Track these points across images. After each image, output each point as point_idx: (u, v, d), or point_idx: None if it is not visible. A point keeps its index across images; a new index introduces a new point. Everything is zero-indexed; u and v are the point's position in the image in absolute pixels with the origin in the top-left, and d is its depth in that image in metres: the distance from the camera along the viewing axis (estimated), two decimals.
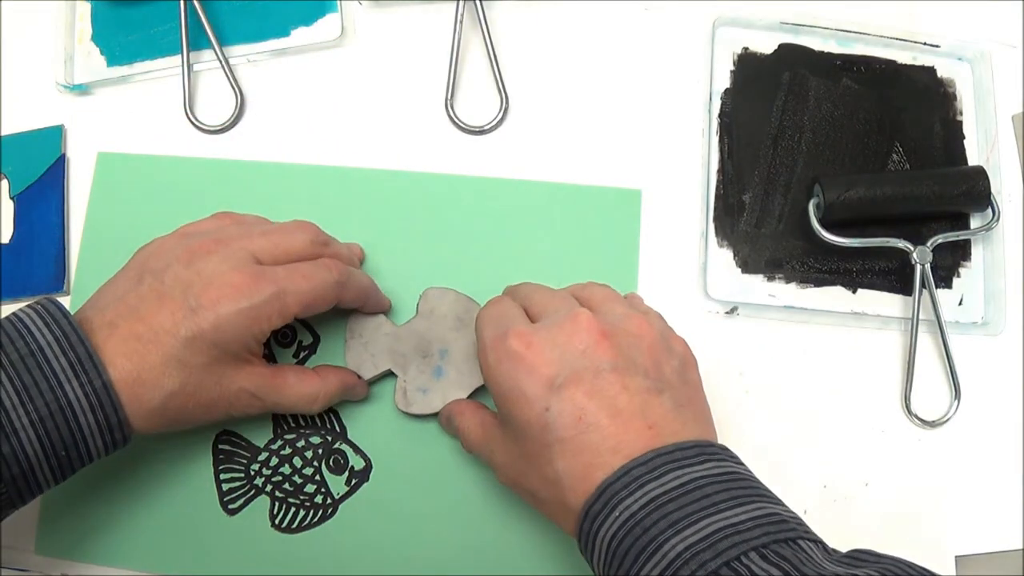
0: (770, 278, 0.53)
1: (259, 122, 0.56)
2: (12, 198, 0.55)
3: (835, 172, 0.55)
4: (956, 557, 0.49)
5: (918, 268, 0.52)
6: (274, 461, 0.50)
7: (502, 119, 0.56)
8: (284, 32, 0.58)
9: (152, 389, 0.40)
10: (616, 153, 0.55)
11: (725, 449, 0.38)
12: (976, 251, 0.55)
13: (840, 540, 0.37)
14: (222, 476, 0.50)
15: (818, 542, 0.35)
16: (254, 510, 0.49)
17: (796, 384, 0.52)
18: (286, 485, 0.50)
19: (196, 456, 0.50)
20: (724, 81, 0.57)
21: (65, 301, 0.53)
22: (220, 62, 0.56)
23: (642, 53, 0.57)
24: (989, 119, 0.56)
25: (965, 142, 0.56)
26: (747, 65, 0.57)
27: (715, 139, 0.56)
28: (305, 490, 0.49)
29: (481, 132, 0.56)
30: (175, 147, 0.56)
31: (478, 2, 0.56)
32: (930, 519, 0.50)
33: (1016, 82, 0.57)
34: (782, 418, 0.51)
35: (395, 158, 0.55)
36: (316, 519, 0.49)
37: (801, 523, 0.36)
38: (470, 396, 0.49)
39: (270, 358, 0.51)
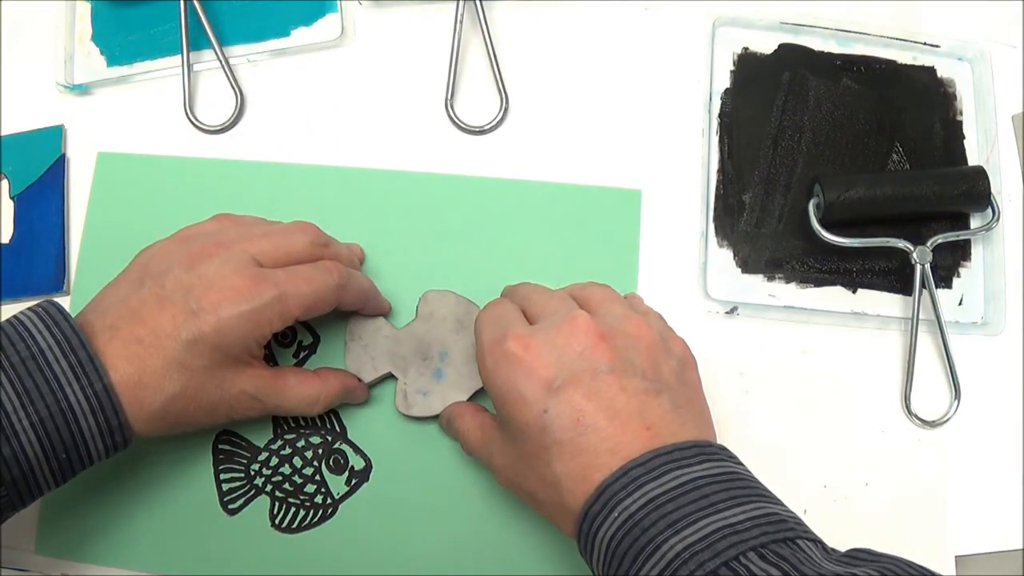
0: (770, 278, 0.53)
1: (259, 122, 0.56)
2: (12, 198, 0.55)
3: (835, 172, 0.55)
4: (956, 557, 0.49)
5: (918, 268, 0.52)
6: (274, 461, 0.50)
7: (502, 119, 0.56)
8: (284, 32, 0.58)
9: (153, 392, 0.40)
10: (616, 153, 0.55)
11: (724, 449, 0.39)
12: (976, 251, 0.55)
13: (840, 540, 0.37)
14: (222, 476, 0.50)
15: (817, 542, 0.35)
16: (254, 510, 0.49)
17: (796, 384, 0.52)
18: (286, 485, 0.50)
19: (196, 456, 0.50)
20: (724, 81, 0.57)
21: (65, 301, 0.53)
22: (220, 62, 0.56)
23: (642, 53, 0.57)
24: (989, 119, 0.56)
25: (965, 142, 0.56)
26: (747, 65, 0.57)
27: (715, 139, 0.56)
28: (305, 490, 0.49)
29: (481, 132, 0.56)
30: (175, 147, 0.56)
31: (478, 2, 0.56)
32: (930, 519, 0.50)
33: (1016, 82, 0.57)
34: (782, 418, 0.51)
35: (395, 158, 0.55)
36: (316, 519, 0.49)
37: (800, 523, 0.36)
38: (470, 398, 0.49)
39: (270, 358, 0.51)
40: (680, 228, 0.54)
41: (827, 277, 0.54)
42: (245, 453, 0.50)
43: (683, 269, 0.53)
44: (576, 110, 0.56)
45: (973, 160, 0.56)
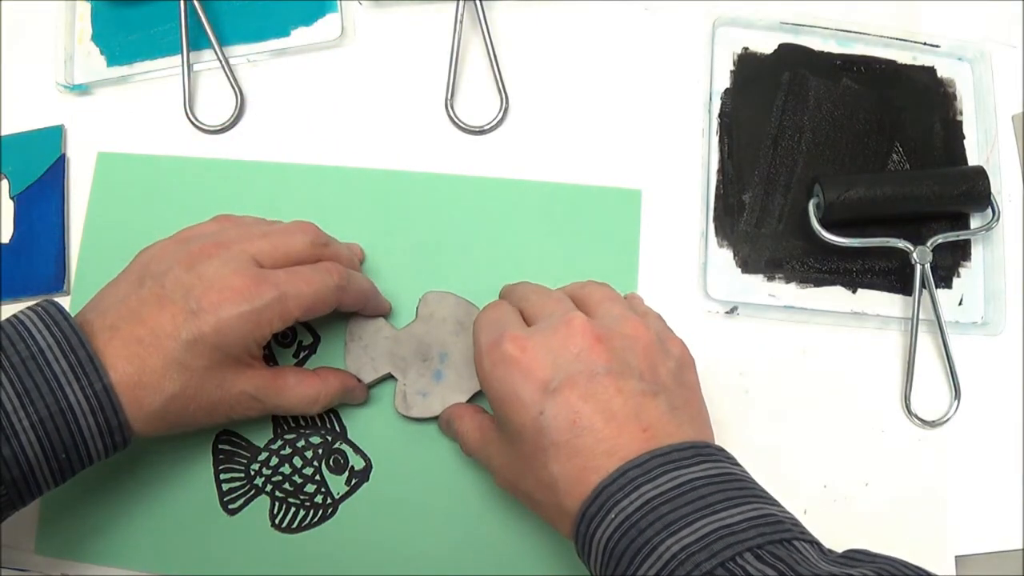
0: (770, 278, 0.53)
1: (259, 122, 0.56)
2: (12, 198, 0.56)
3: (835, 172, 0.55)
4: (956, 557, 0.49)
5: (918, 268, 0.52)
6: (274, 461, 0.50)
7: (502, 119, 0.56)
8: (284, 32, 0.58)
9: (153, 392, 0.40)
10: (616, 153, 0.55)
11: (721, 450, 0.39)
12: (976, 251, 0.54)
13: (840, 540, 0.37)
14: (222, 476, 0.50)
15: (813, 543, 0.35)
16: (254, 510, 0.49)
17: (796, 384, 0.52)
18: (286, 485, 0.50)
19: (196, 456, 0.50)
20: (724, 81, 0.57)
21: (65, 301, 0.53)
22: (220, 62, 0.56)
23: (642, 53, 0.57)
24: (989, 119, 0.56)
25: (965, 142, 0.56)
26: (747, 65, 0.57)
27: (715, 139, 0.56)
28: (305, 490, 0.50)
29: (481, 132, 0.56)
30: (175, 147, 0.56)
31: (478, 2, 0.56)
32: (930, 519, 0.50)
33: (1016, 82, 0.57)
34: (782, 418, 0.51)
35: (395, 158, 0.55)
36: (316, 519, 0.49)
37: (797, 524, 0.36)
38: (470, 400, 0.49)
39: (270, 358, 0.51)
40: (680, 228, 0.54)
41: (827, 277, 0.53)
42: (245, 453, 0.50)
43: (683, 269, 0.53)
44: (576, 110, 0.56)
45: (973, 160, 0.56)
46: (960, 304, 0.54)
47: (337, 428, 0.50)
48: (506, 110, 0.56)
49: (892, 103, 0.57)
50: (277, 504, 0.49)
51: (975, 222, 0.55)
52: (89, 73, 0.58)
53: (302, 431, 0.50)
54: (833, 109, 0.56)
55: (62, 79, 0.57)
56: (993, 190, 0.53)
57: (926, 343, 0.52)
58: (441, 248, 0.53)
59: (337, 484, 0.50)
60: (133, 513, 0.49)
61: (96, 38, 0.58)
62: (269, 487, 0.50)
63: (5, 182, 0.56)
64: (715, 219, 0.54)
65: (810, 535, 0.36)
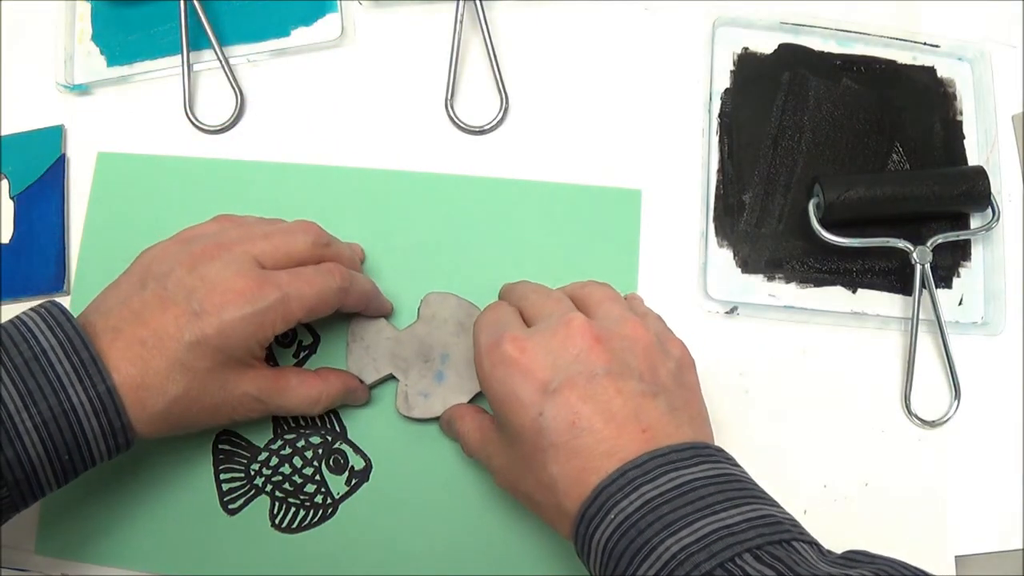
0: (770, 278, 0.53)
1: (259, 122, 0.56)
2: (12, 198, 0.56)
3: (835, 172, 0.55)
4: (956, 557, 0.49)
5: (918, 268, 0.52)
6: (274, 461, 0.50)
7: (502, 119, 0.56)
8: (284, 32, 0.58)
9: (156, 394, 0.40)
10: (616, 153, 0.55)
11: (721, 451, 0.39)
12: (976, 251, 0.55)
13: (840, 540, 0.37)
14: (222, 476, 0.50)
15: (813, 543, 0.35)
16: (254, 510, 0.49)
17: (796, 384, 0.52)
18: (286, 485, 0.50)
19: (196, 456, 0.50)
20: (724, 81, 0.57)
21: (65, 301, 0.53)
22: (220, 62, 0.56)
23: (642, 53, 0.57)
24: (989, 119, 0.56)
25: (965, 142, 0.56)
26: (747, 65, 0.57)
27: (715, 139, 0.56)
28: (305, 490, 0.50)
29: (481, 132, 0.56)
30: (175, 147, 0.56)
31: (478, 2, 0.56)
32: (930, 519, 0.50)
33: (1016, 82, 0.57)
34: (782, 418, 0.51)
35: (395, 158, 0.55)
36: (316, 519, 0.49)
37: (796, 524, 0.36)
38: (471, 401, 0.49)
39: (270, 358, 0.51)
40: (680, 228, 0.54)
41: (827, 277, 0.54)
42: (245, 453, 0.50)
43: (683, 269, 0.53)
44: (576, 110, 0.56)
45: (973, 160, 0.56)
46: (960, 304, 0.54)
47: (337, 428, 0.50)
48: (506, 110, 0.56)
49: (892, 103, 0.57)
50: (277, 504, 0.49)
51: (975, 222, 0.55)
52: (89, 73, 0.58)
53: (302, 431, 0.50)
54: (833, 109, 0.56)
55: (62, 79, 0.57)
56: (993, 190, 0.53)
57: (926, 343, 0.52)
58: (441, 248, 0.53)
59: (337, 484, 0.50)
60: (133, 513, 0.49)
61: (96, 38, 0.58)
62: (269, 487, 0.50)
63: (5, 182, 0.56)
64: (715, 219, 0.54)
65: (809, 536, 0.36)
